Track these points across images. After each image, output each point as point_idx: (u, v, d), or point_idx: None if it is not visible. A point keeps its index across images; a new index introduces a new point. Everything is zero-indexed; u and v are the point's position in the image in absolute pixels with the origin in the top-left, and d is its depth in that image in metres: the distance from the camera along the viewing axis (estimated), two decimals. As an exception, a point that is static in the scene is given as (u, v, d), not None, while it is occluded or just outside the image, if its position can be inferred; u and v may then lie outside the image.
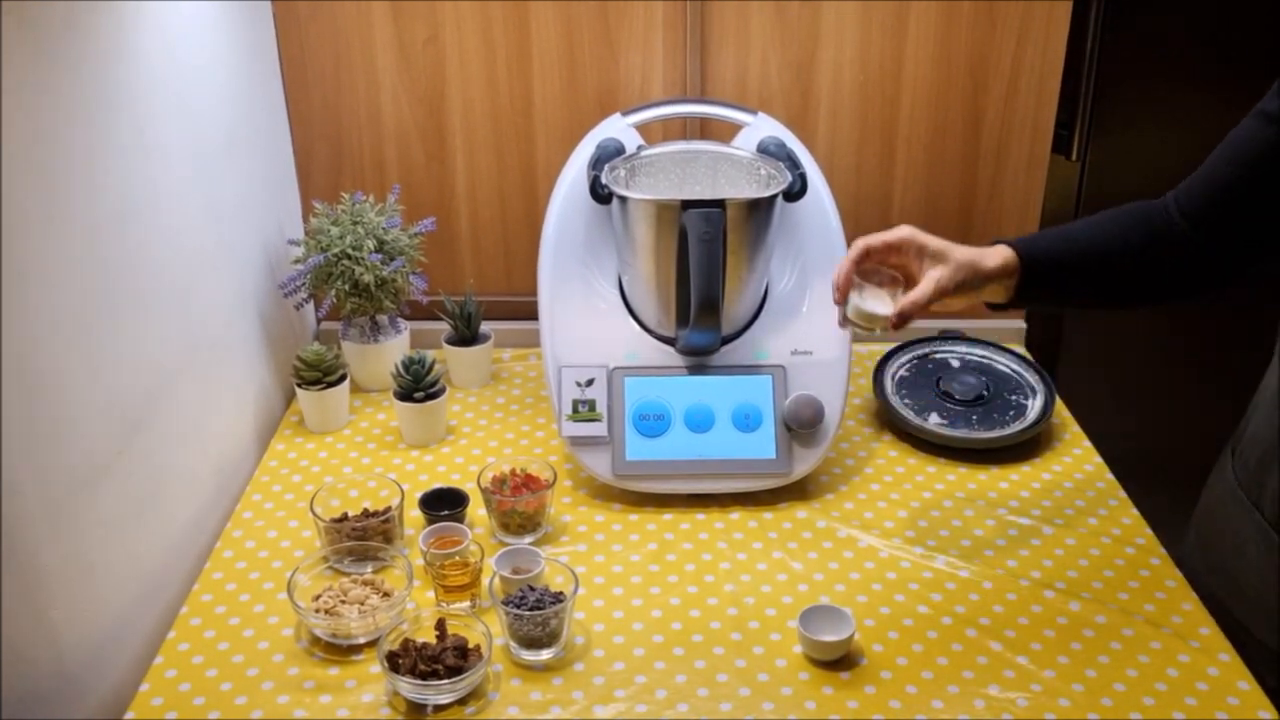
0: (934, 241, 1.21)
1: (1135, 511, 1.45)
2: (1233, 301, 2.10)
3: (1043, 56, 1.71)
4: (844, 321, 1.23)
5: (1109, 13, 1.84)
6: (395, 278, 1.63)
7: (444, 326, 1.74)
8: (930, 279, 1.19)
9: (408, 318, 1.75)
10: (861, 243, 1.22)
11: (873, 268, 1.23)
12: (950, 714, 1.14)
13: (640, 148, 1.54)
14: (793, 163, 1.48)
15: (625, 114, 1.58)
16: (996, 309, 1.25)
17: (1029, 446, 1.58)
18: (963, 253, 1.20)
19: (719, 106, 1.60)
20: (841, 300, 1.22)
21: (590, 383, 1.47)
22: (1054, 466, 1.55)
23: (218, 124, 1.48)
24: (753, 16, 1.68)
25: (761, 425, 1.46)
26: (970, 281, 1.20)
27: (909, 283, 1.22)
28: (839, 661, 1.21)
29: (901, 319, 1.19)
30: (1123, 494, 1.49)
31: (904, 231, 1.21)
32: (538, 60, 1.71)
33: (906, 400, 1.64)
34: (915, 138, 1.76)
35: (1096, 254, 1.22)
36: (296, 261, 1.65)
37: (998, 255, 1.20)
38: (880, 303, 1.21)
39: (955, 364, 1.72)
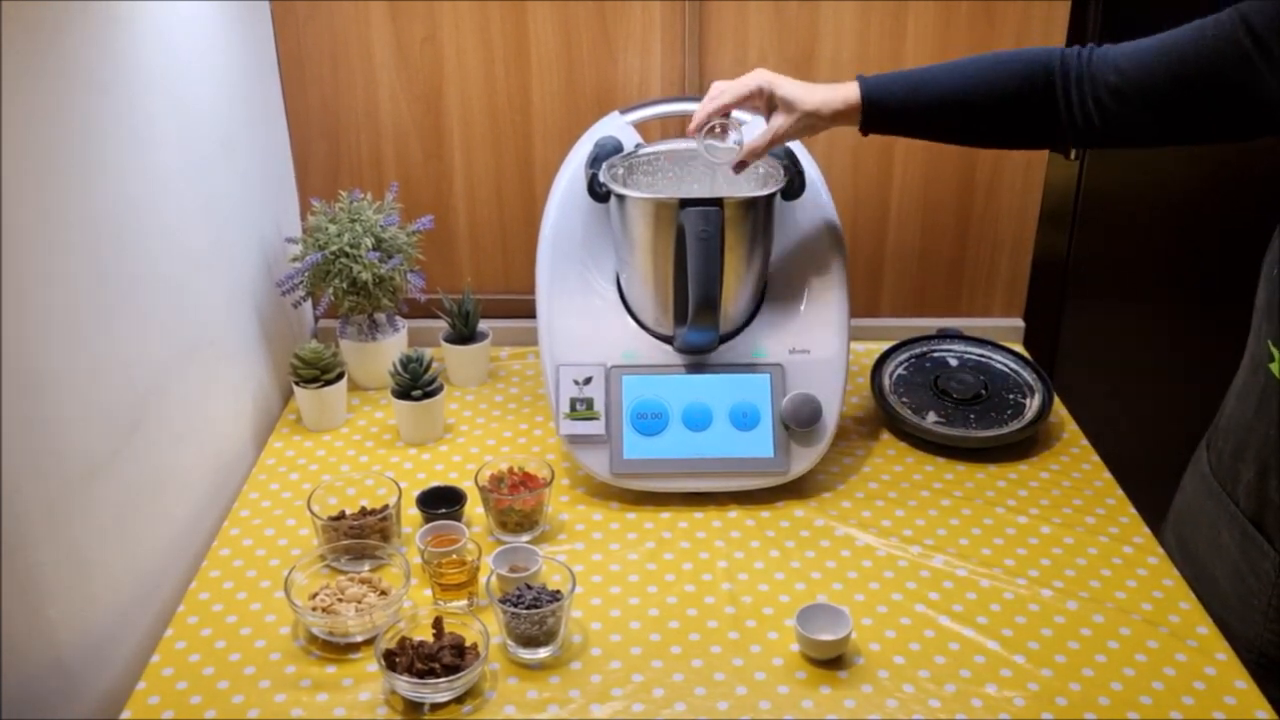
0: (784, 89, 1.31)
1: (1133, 510, 1.46)
2: (1231, 300, 2.11)
3: (1041, 55, 1.70)
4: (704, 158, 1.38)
5: (1107, 12, 1.84)
6: (393, 276, 1.63)
7: (442, 324, 1.74)
8: (770, 128, 1.33)
9: (405, 316, 1.75)
10: (715, 101, 1.34)
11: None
12: (947, 713, 1.14)
13: (638, 146, 1.54)
14: (790, 161, 1.48)
15: (623, 112, 1.58)
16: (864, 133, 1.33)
17: (1027, 445, 1.58)
18: (810, 102, 1.30)
19: (717, 105, 1.60)
20: (693, 135, 1.37)
21: (588, 381, 1.47)
22: (1051, 465, 1.55)
23: (215, 122, 1.48)
24: (751, 15, 1.68)
25: (759, 424, 1.46)
26: (812, 129, 1.32)
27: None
28: (836, 660, 1.21)
29: (739, 165, 1.37)
30: (1120, 493, 1.49)
31: (756, 80, 1.32)
32: (536, 59, 1.71)
33: (904, 399, 1.64)
34: (913, 136, 1.76)
35: (954, 105, 1.27)
36: (294, 259, 1.65)
37: (842, 100, 1.29)
38: (726, 151, 1.38)
39: (953, 363, 1.72)
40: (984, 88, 1.26)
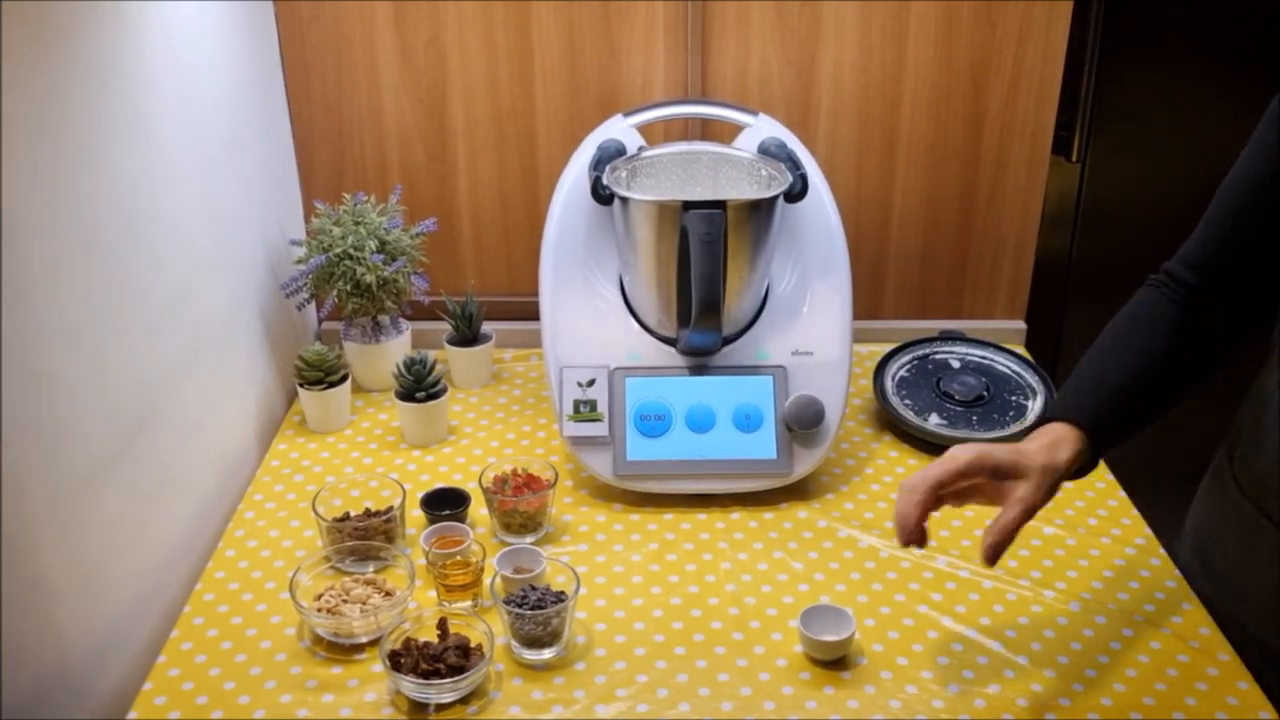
0: (1003, 456, 1.09)
1: (1135, 512, 1.46)
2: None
3: (1043, 58, 1.71)
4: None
5: (1109, 14, 1.85)
6: (397, 278, 1.64)
7: (445, 327, 1.75)
8: (1017, 500, 1.07)
9: (409, 318, 1.76)
10: (927, 481, 1.09)
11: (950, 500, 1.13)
12: (951, 714, 1.15)
13: (641, 149, 1.54)
14: (794, 164, 1.48)
15: (626, 115, 1.59)
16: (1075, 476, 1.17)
17: (1029, 447, 1.58)
18: (1037, 458, 1.09)
19: (720, 107, 1.61)
20: (912, 543, 1.09)
21: (591, 383, 1.48)
22: (1054, 467, 1.55)
23: (220, 124, 1.48)
24: (754, 18, 1.68)
25: (762, 426, 1.47)
26: (1055, 485, 1.10)
27: (982, 498, 1.13)
28: (839, 661, 1.21)
29: (994, 553, 1.07)
30: (1122, 494, 1.50)
31: (968, 455, 1.09)
32: (539, 61, 1.71)
33: (907, 401, 1.65)
34: (916, 139, 1.76)
35: (1142, 386, 1.17)
36: (298, 262, 1.65)
37: (1068, 447, 1.11)
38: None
39: (955, 365, 1.73)
40: (1153, 353, 1.17)
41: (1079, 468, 1.14)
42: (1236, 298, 1.17)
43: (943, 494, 1.10)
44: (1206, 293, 1.17)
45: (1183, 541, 1.39)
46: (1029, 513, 1.07)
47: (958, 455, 1.09)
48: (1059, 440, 1.12)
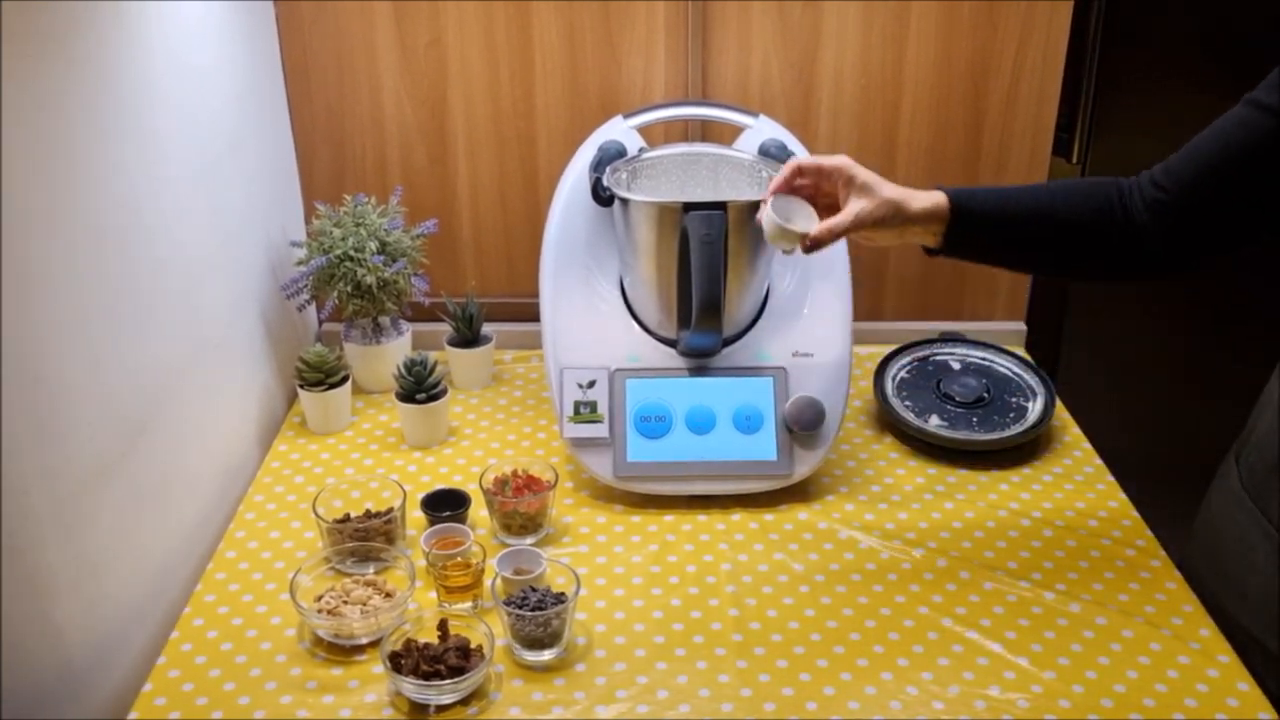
0: (865, 174, 1.22)
1: (1135, 513, 1.46)
2: (1233, 303, 2.11)
3: (1043, 59, 1.71)
4: (764, 231, 1.25)
5: (1109, 15, 1.85)
6: (397, 279, 1.64)
7: (446, 328, 1.75)
8: (851, 210, 1.21)
9: (409, 319, 1.76)
10: (795, 161, 1.25)
11: (806, 191, 1.26)
12: (951, 715, 1.15)
13: (642, 150, 1.54)
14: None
15: (627, 116, 1.59)
16: (931, 254, 1.26)
17: (1029, 449, 1.59)
18: (891, 190, 1.21)
19: (720, 109, 1.61)
20: (766, 200, 1.25)
21: (592, 384, 1.48)
22: (1054, 469, 1.55)
23: (221, 126, 1.48)
24: (754, 19, 1.68)
25: (762, 427, 1.47)
26: (892, 219, 1.21)
27: (834, 212, 1.24)
28: (840, 663, 1.21)
29: (814, 243, 1.22)
30: (1123, 496, 1.50)
31: (840, 160, 1.23)
32: (540, 63, 1.71)
33: (907, 402, 1.65)
34: (916, 140, 1.76)
35: (1036, 221, 1.21)
36: (299, 263, 1.65)
37: (928, 199, 1.21)
38: (801, 221, 1.24)
39: (956, 366, 1.73)
40: (1063, 206, 1.20)
41: (934, 249, 1.24)
42: (1180, 232, 1.17)
43: (804, 181, 1.26)
44: (1152, 221, 1.18)
45: (1191, 543, 1.40)
46: (856, 225, 1.21)
47: (836, 156, 1.24)
48: (924, 194, 1.21)
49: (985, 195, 1.23)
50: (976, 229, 1.22)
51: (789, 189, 1.26)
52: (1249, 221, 1.16)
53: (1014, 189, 1.26)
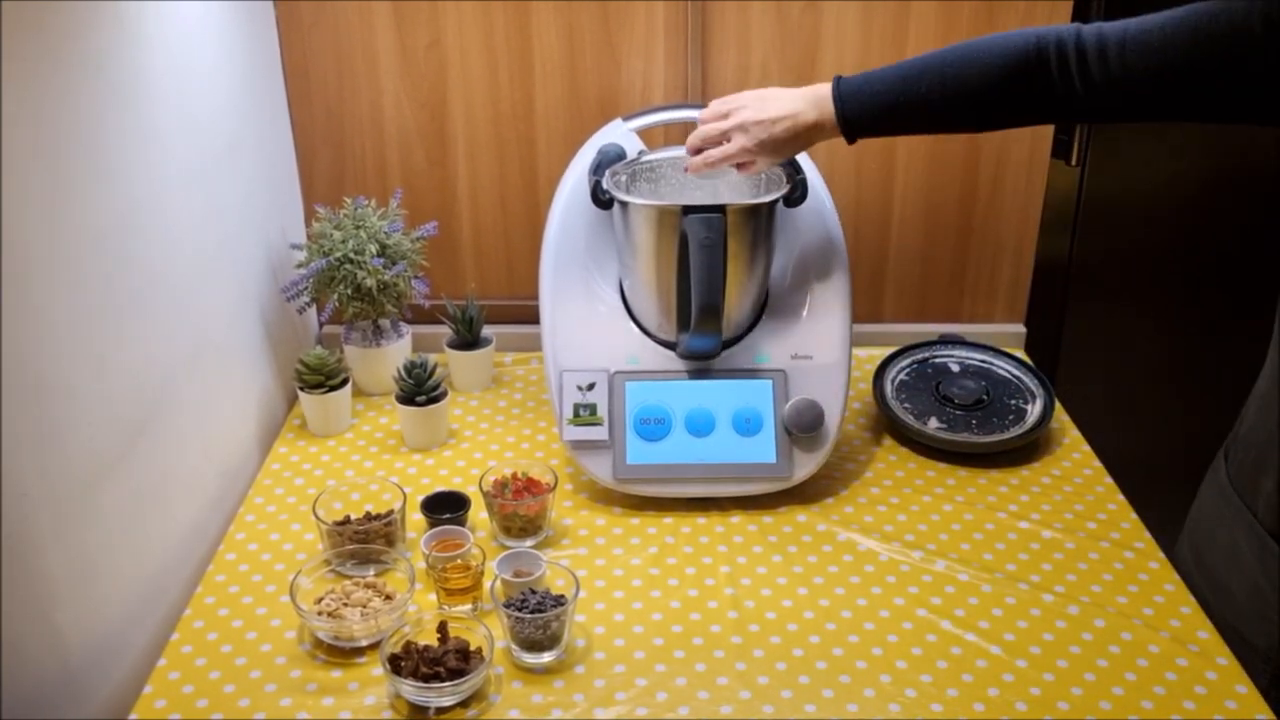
0: (744, 117, 1.33)
1: (1134, 516, 1.46)
2: (1232, 305, 2.11)
3: (1042, 62, 1.71)
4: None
5: (1109, 17, 1.85)
6: (397, 282, 1.64)
7: (446, 330, 1.75)
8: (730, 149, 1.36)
9: (410, 321, 1.76)
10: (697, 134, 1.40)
11: None
12: (950, 717, 1.15)
13: (641, 153, 1.55)
14: (793, 168, 1.48)
15: (626, 119, 1.59)
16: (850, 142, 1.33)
17: (1028, 451, 1.59)
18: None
19: (720, 112, 1.61)
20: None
21: (591, 387, 1.48)
22: (1053, 471, 1.56)
23: (221, 128, 1.48)
24: (753, 21, 1.68)
25: (762, 429, 1.47)
26: (798, 149, 1.35)
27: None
28: (839, 665, 1.21)
29: (700, 164, 1.39)
30: (1121, 498, 1.50)
31: (726, 117, 1.36)
32: (539, 65, 1.72)
33: (906, 404, 1.65)
34: (915, 142, 1.76)
35: (942, 99, 1.24)
36: (299, 265, 1.65)
37: (816, 111, 1.30)
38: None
39: (955, 368, 1.73)
40: (974, 79, 1.22)
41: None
42: (1118, 101, 1.17)
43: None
44: (1096, 74, 1.16)
45: (1182, 542, 1.40)
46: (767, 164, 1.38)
47: (722, 113, 1.37)
48: (817, 97, 1.30)
49: (877, 85, 1.27)
50: (871, 128, 1.30)
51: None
52: (1194, 107, 1.15)
53: (912, 68, 1.26)
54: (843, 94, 1.29)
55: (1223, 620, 1.27)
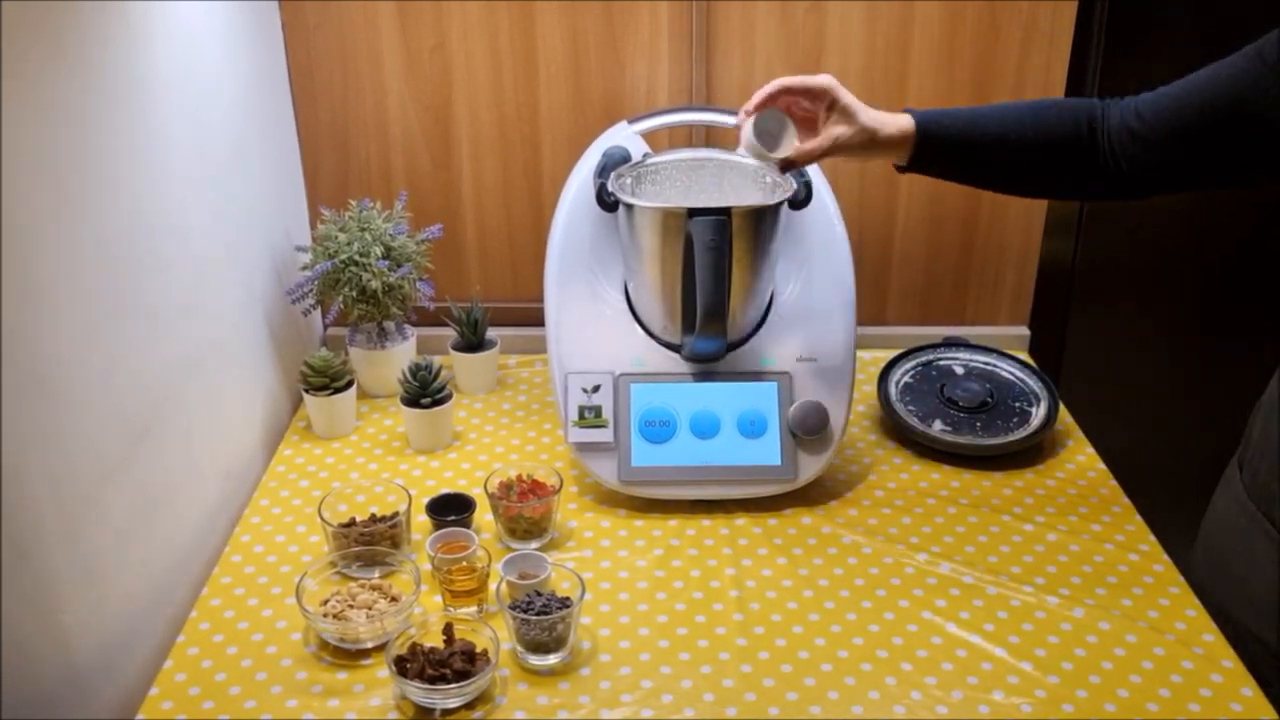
0: (846, 97, 1.27)
1: (1139, 518, 1.46)
2: (1236, 308, 2.11)
3: (1046, 65, 1.71)
4: (744, 143, 1.30)
5: (1112, 18, 1.85)
6: (402, 284, 1.64)
7: (450, 332, 1.75)
8: (829, 134, 1.27)
9: (414, 324, 1.76)
10: (782, 80, 1.28)
11: (785, 104, 1.30)
12: (955, 719, 1.15)
13: (646, 155, 1.55)
14: (797, 171, 1.48)
15: (631, 122, 1.59)
16: (901, 170, 1.31)
17: (1032, 453, 1.59)
18: (868, 117, 1.27)
19: (724, 114, 1.61)
20: (747, 117, 1.29)
21: (596, 389, 1.48)
22: (1057, 473, 1.56)
23: (226, 131, 1.49)
24: (758, 24, 1.69)
25: (767, 432, 1.47)
26: (866, 146, 1.27)
27: (813, 131, 1.30)
28: (844, 667, 1.21)
29: (788, 164, 1.30)
30: (1126, 501, 1.50)
31: (824, 80, 1.27)
32: (544, 68, 1.72)
33: (911, 407, 1.65)
34: (919, 145, 1.76)
35: (1000, 144, 1.25)
36: (304, 268, 1.66)
37: (897, 125, 1.26)
38: (782, 141, 1.30)
39: (959, 371, 1.73)
40: (1031, 130, 1.24)
41: (902, 166, 1.29)
42: (1151, 164, 1.21)
43: (788, 97, 1.29)
44: (1118, 148, 1.21)
45: (1195, 551, 1.40)
46: (832, 151, 1.27)
47: (820, 76, 1.27)
48: (893, 119, 1.27)
49: (953, 119, 1.27)
50: (941, 152, 1.27)
51: (773, 98, 1.29)
52: (1218, 171, 1.19)
53: (984, 110, 1.29)
54: (919, 113, 1.28)
55: (1243, 629, 1.26)
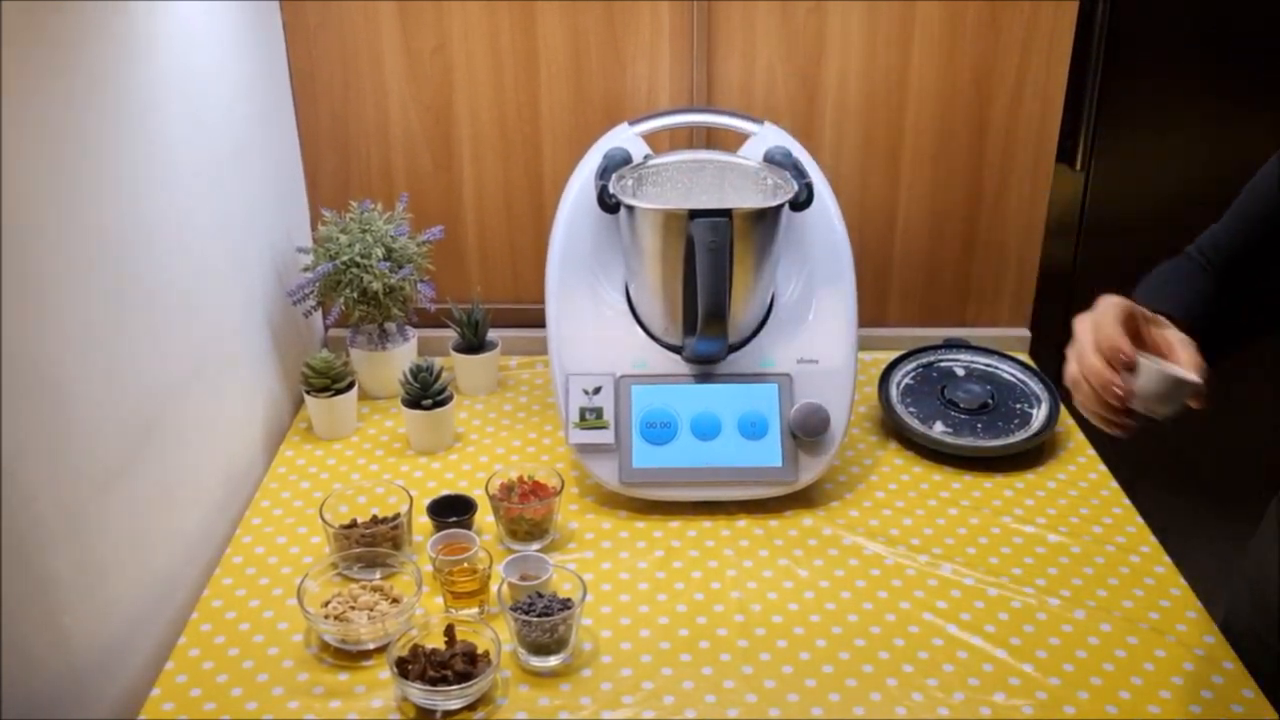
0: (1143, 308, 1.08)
1: (1139, 520, 1.46)
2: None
3: (1047, 66, 1.71)
4: (1148, 392, 1.01)
5: (1113, 22, 1.85)
6: (403, 285, 1.64)
7: (451, 334, 1.75)
8: (1185, 342, 1.04)
9: (415, 325, 1.76)
10: (1122, 304, 1.06)
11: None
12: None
13: (647, 157, 1.55)
14: (799, 172, 1.49)
15: (632, 123, 1.59)
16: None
17: (1033, 455, 1.59)
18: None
19: (726, 116, 1.61)
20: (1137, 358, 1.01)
21: (597, 390, 1.48)
22: (1058, 475, 1.56)
23: (228, 133, 1.49)
24: (759, 26, 1.69)
25: (767, 433, 1.47)
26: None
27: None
28: (845, 669, 1.21)
29: (1205, 392, 0.99)
30: (1126, 502, 1.50)
31: (1115, 301, 1.08)
32: (545, 69, 1.72)
33: (912, 409, 1.65)
34: (920, 147, 1.77)
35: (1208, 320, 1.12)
36: (305, 269, 1.66)
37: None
38: (1172, 390, 0.98)
39: (960, 372, 1.73)
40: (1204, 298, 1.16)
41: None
42: (1251, 293, 1.16)
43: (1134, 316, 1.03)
44: (1227, 278, 1.16)
45: (1238, 581, 1.34)
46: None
47: (1112, 303, 1.04)
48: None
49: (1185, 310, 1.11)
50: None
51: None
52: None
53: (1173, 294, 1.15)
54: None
55: (1268, 655, 1.23)
